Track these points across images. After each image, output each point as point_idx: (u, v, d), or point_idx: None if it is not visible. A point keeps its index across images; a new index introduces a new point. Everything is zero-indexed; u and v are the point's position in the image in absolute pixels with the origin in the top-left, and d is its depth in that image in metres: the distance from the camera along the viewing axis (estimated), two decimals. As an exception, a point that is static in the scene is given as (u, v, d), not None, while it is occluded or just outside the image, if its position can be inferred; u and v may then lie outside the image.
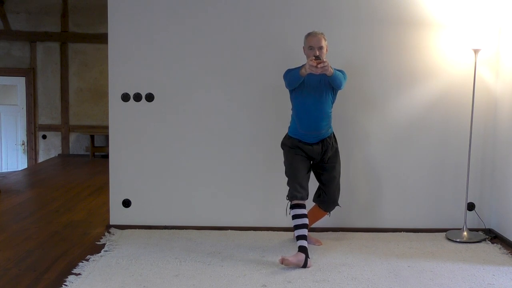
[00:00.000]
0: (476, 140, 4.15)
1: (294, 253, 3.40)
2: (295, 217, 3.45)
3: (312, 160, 3.65)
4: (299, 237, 3.41)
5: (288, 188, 3.56)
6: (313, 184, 3.72)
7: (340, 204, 3.81)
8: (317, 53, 3.40)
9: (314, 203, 3.81)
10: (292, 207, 3.48)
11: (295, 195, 3.47)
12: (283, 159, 3.70)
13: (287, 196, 3.54)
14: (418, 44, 4.10)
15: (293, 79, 3.46)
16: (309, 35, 3.51)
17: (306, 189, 3.53)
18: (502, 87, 4.08)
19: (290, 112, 3.70)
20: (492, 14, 4.06)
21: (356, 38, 4.09)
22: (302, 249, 3.37)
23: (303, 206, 3.46)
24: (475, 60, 3.94)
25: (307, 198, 3.52)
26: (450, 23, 4.08)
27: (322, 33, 3.50)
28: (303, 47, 3.57)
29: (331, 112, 3.60)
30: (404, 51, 4.11)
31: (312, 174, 3.71)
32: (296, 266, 3.32)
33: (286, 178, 3.62)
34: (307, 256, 3.35)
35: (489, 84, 4.16)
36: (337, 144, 3.71)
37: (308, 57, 3.44)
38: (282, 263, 3.30)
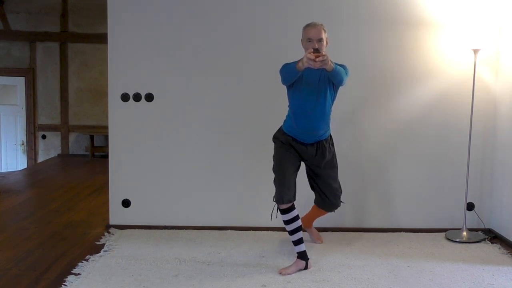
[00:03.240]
0: (475, 140, 4.15)
1: (292, 260, 3.38)
2: (287, 222, 3.29)
3: (303, 160, 3.48)
4: (296, 242, 3.32)
5: (274, 186, 3.39)
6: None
7: (343, 201, 3.70)
8: (316, 45, 3.12)
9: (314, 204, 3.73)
10: (282, 212, 3.29)
11: (282, 197, 3.25)
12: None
13: (273, 197, 3.34)
14: (418, 44, 4.10)
15: (289, 74, 3.19)
16: (307, 26, 3.23)
17: (293, 189, 3.32)
18: (502, 87, 4.08)
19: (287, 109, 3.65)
20: (492, 14, 4.06)
21: (356, 38, 4.09)
22: (301, 255, 3.32)
23: (292, 209, 3.28)
24: (475, 60, 3.94)
25: (295, 199, 3.33)
26: (450, 23, 4.08)
27: (322, 24, 3.21)
28: (301, 40, 3.31)
29: (330, 111, 3.36)
30: (404, 51, 4.11)
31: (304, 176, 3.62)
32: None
33: None
34: (307, 260, 3.33)
35: (489, 84, 4.16)
36: (334, 148, 3.52)
37: (306, 50, 3.16)
38: (282, 274, 3.23)
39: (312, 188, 3.65)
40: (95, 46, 9.11)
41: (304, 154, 3.42)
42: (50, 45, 9.22)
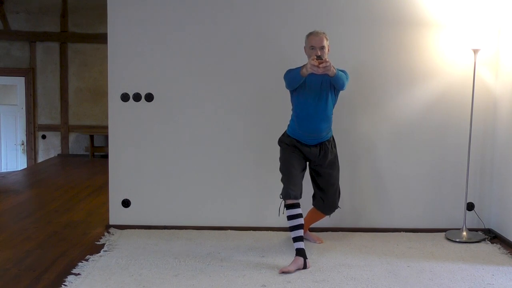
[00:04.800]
0: (475, 140, 4.15)
1: (291, 260, 3.38)
2: (290, 218, 3.39)
3: (308, 161, 3.60)
4: (295, 239, 3.38)
5: (281, 185, 3.51)
6: (310, 186, 3.74)
7: (339, 206, 3.79)
8: (319, 53, 3.32)
9: (312, 206, 3.78)
10: (287, 207, 3.41)
11: (289, 193, 3.39)
12: (282, 159, 3.69)
13: (280, 194, 3.47)
14: (418, 44, 4.10)
15: (293, 80, 3.40)
16: (310, 35, 3.43)
17: (299, 187, 3.46)
18: (502, 87, 4.08)
19: (291, 113, 3.69)
20: (492, 14, 4.06)
21: (356, 38, 4.09)
22: (299, 252, 3.36)
23: (297, 206, 3.40)
24: (475, 60, 3.94)
25: (301, 197, 3.45)
26: (450, 23, 4.08)
27: (324, 33, 3.42)
28: (304, 47, 3.50)
29: (332, 114, 3.54)
30: (404, 51, 4.11)
31: (308, 178, 3.68)
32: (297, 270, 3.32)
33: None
34: (305, 258, 3.35)
35: (489, 84, 4.16)
36: (336, 149, 3.66)
37: (309, 57, 3.36)
38: (283, 273, 3.26)
39: (314, 189, 3.73)
40: (95, 46, 9.11)
41: (308, 154, 3.55)
42: (50, 45, 9.22)
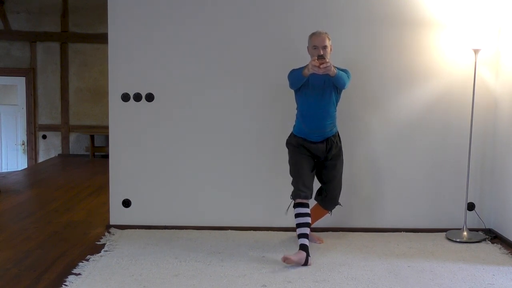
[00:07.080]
0: (476, 139, 4.15)
1: (296, 252, 3.42)
2: (297, 215, 3.48)
3: (316, 158, 3.67)
4: (301, 236, 3.45)
5: (292, 187, 3.58)
6: (315, 183, 3.74)
7: (341, 203, 3.82)
8: (321, 52, 3.41)
9: (315, 202, 3.82)
10: (295, 205, 3.51)
11: (299, 194, 3.50)
12: (284, 159, 3.72)
13: (291, 195, 3.56)
14: (418, 44, 4.10)
15: (296, 79, 3.50)
16: (313, 35, 3.53)
17: (310, 189, 3.56)
18: (502, 87, 4.08)
19: (293, 113, 3.71)
20: (492, 14, 4.06)
21: (356, 38, 4.09)
22: (303, 248, 3.41)
23: (306, 205, 3.50)
24: (475, 60, 3.94)
25: (311, 198, 3.56)
26: (450, 23, 4.08)
27: (326, 33, 3.52)
28: (307, 47, 3.58)
29: (335, 112, 3.63)
30: (404, 51, 4.11)
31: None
32: (297, 264, 3.35)
33: (288, 178, 3.65)
34: (308, 255, 3.39)
35: (489, 84, 4.16)
36: (341, 143, 3.74)
37: (312, 56, 3.46)
38: (284, 261, 3.34)
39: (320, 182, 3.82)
40: (95, 46, 9.11)
41: (316, 151, 3.63)
42: (50, 45, 9.22)
